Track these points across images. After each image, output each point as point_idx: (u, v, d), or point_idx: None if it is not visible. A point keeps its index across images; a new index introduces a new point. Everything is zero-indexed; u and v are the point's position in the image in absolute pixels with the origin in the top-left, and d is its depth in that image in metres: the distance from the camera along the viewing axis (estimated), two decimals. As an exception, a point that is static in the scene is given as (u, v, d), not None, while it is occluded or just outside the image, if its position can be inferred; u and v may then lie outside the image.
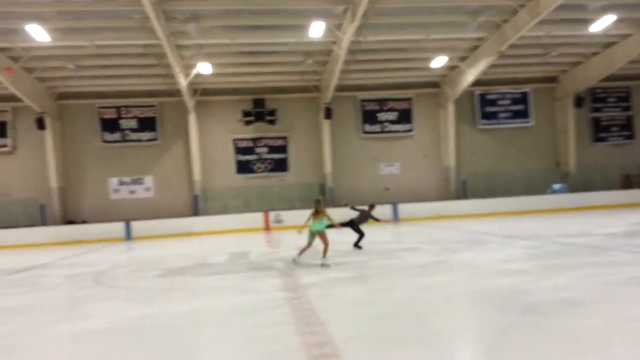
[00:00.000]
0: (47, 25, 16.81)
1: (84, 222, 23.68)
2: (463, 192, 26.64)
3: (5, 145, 23.88)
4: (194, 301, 7.47)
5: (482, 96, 27.46)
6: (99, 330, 5.87)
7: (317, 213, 9.73)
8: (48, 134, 23.27)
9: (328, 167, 25.90)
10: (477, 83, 24.86)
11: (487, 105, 27.58)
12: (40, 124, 22.78)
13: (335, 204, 25.31)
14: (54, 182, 23.70)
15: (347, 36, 18.63)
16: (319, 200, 10.22)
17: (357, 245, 12.13)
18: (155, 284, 9.31)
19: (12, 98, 22.59)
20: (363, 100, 26.90)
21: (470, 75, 23.60)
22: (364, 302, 6.63)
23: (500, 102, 27.65)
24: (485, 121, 27.63)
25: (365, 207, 12.59)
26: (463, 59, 23.66)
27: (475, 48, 22.55)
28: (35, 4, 15.90)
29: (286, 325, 5.45)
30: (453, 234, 15.60)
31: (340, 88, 24.51)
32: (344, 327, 5.31)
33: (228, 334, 5.45)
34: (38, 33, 16.86)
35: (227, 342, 5.12)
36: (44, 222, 23.10)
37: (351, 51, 20.52)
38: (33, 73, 21.53)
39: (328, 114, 25.22)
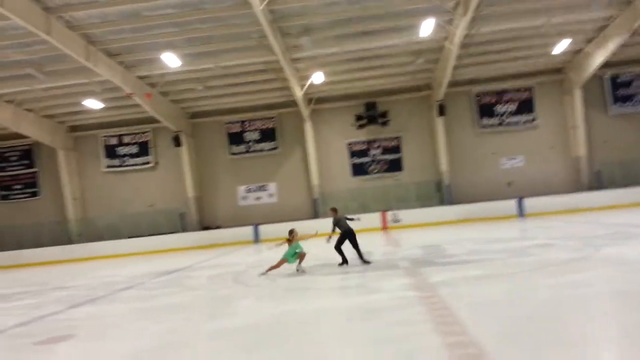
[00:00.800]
0: (178, 52, 18.74)
1: (218, 227, 25.87)
2: (597, 182, 24.43)
3: (148, 162, 26.96)
4: (325, 299, 7.88)
5: (614, 79, 24.98)
6: (244, 326, 6.48)
7: (290, 241, 11.11)
8: (184, 150, 25.85)
9: (444, 165, 25.38)
10: (606, 65, 22.71)
11: (620, 88, 25.02)
12: (177, 142, 25.40)
13: (453, 201, 24.76)
14: (190, 192, 26.24)
15: (459, 31, 18.20)
16: (292, 230, 11.41)
17: (363, 260, 11.27)
18: (287, 283, 9.92)
19: (152, 120, 25.53)
20: (478, 94, 25.95)
21: (599, 57, 21.64)
22: (502, 302, 6.37)
23: (636, 84, 24.91)
24: (618, 105, 25.09)
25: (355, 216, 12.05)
26: (589, 41, 21.77)
27: (602, 28, 20.66)
28: (168, 34, 17.78)
29: (421, 325, 5.52)
30: (591, 228, 14.44)
31: (453, 84, 23.93)
32: (485, 328, 5.16)
33: (362, 332, 5.65)
34: (171, 60, 18.88)
35: (362, 340, 5.30)
36: (183, 229, 25.66)
37: (464, 45, 19.97)
38: (168, 96, 24.08)
39: (441, 111, 24.75)
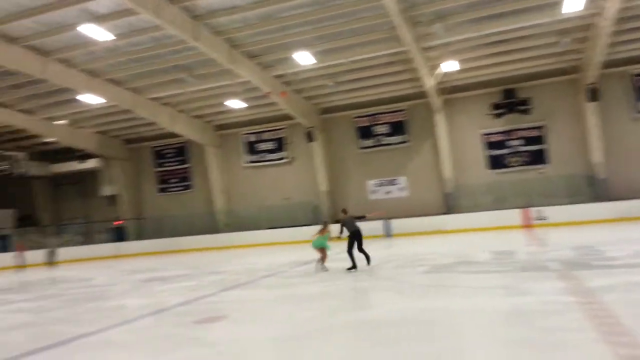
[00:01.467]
0: (311, 50, 19.34)
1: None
2: None
3: (284, 157, 28.38)
4: (469, 299, 7.52)
5: None
6: (384, 319, 6.49)
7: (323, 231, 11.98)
8: (316, 145, 26.73)
9: (597, 156, 22.79)
10: None
11: None
12: (310, 137, 26.35)
13: (608, 197, 22.15)
14: (322, 186, 27.08)
15: (613, 4, 16.13)
16: (326, 222, 12.77)
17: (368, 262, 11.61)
18: (424, 280, 9.71)
19: (287, 117, 26.82)
20: (639, 75, 22.80)
21: None
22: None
23: None
24: None
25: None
26: None
27: None
28: (301, 33, 18.40)
29: (583, 333, 5.00)
30: None
31: (607, 64, 21.35)
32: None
33: (512, 335, 5.29)
34: (304, 58, 19.58)
35: (515, 344, 4.95)
36: (317, 221, 26.53)
37: (619, 20, 17.68)
38: (301, 93, 25.02)
39: (593, 95, 22.20)
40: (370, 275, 10.77)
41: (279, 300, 8.81)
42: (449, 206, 24.82)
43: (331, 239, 12.25)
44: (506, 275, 9.35)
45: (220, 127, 29.23)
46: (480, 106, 24.97)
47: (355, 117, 27.12)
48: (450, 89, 24.61)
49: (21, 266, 22.39)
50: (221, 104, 25.35)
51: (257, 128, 28.62)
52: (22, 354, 6.11)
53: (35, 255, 23.79)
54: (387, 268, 11.97)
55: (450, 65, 21.13)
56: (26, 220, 31.55)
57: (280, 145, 28.46)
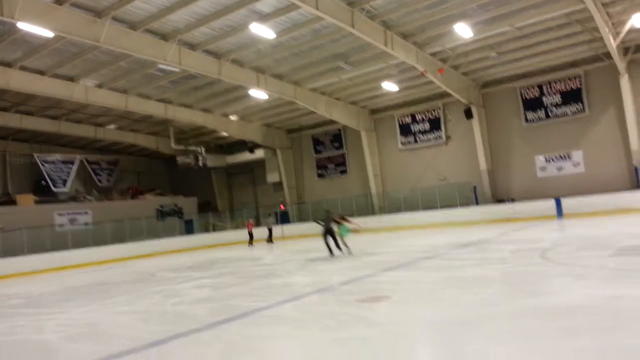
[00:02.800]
0: (470, 21, 18.15)
1: (512, 200, 24.45)
2: None
3: (440, 137, 27.40)
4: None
5: None
6: (565, 307, 5.78)
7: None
8: (475, 122, 25.24)
9: None
10: None
11: None
12: (468, 114, 24.95)
13: None
14: (482, 165, 25.53)
15: None
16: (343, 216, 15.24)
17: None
18: (610, 264, 8.50)
19: (442, 95, 25.81)
20: None
21: None
22: None
23: None
24: None
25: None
26: None
27: None
28: (459, 5, 17.28)
29: None
30: None
31: None
32: None
33: None
34: (463, 30, 18.46)
35: None
36: (477, 202, 25.20)
37: None
38: (459, 69, 23.72)
39: None
40: (543, 259, 9.77)
41: (441, 282, 8.49)
42: (635, 181, 21.41)
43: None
44: None
45: (375, 111, 29.37)
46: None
47: (521, 89, 24.87)
48: (637, 48, 21.04)
49: (250, 242, 25.42)
50: (375, 88, 25.41)
51: (412, 109, 28.09)
52: (207, 326, 6.82)
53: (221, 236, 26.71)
54: (562, 252, 10.77)
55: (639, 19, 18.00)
56: (206, 206, 35.75)
57: (435, 125, 27.53)
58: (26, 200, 27.91)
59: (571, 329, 4.94)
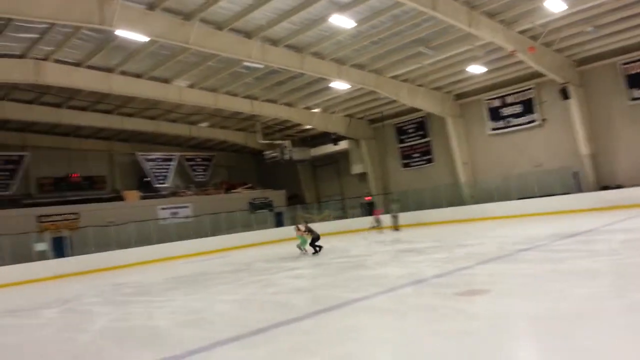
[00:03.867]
0: (564, -6, 16.90)
1: (618, 186, 22.50)
2: None
3: (533, 120, 25.80)
4: None
5: None
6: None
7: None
8: (572, 103, 23.47)
9: None
10: None
11: None
12: (565, 94, 23.25)
13: None
14: (583, 148, 23.72)
15: None
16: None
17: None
18: None
19: (534, 75, 24.31)
20: None
21: None
22: None
23: None
24: None
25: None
26: None
27: None
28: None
29: None
30: None
31: None
32: None
33: None
34: (555, 4, 17.20)
35: None
36: (578, 189, 23.49)
37: None
38: (551, 46, 22.17)
39: None
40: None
41: (544, 275, 8.04)
42: None
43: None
44: None
45: (460, 96, 28.32)
46: None
47: (624, 64, 22.72)
48: None
49: (378, 228, 25.53)
50: (460, 72, 24.49)
51: (501, 92, 26.67)
52: (306, 315, 7.03)
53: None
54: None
55: None
56: (294, 199, 36.66)
57: (528, 107, 25.96)
58: (132, 196, 30.36)
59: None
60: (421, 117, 30.27)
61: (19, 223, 23.93)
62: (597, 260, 8.88)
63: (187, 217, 30.24)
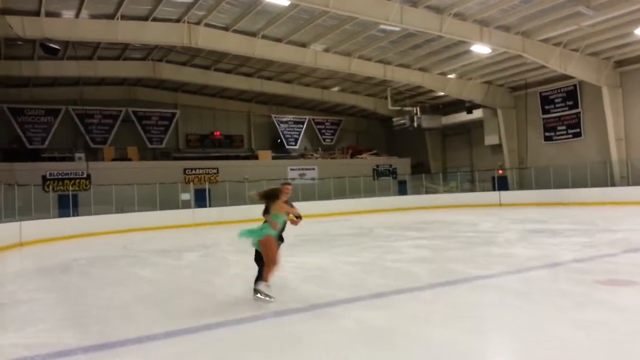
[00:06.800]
0: None
1: None
2: None
3: None
4: None
5: None
6: None
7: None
8: None
9: None
10: None
11: None
12: None
13: None
14: None
15: None
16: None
17: None
18: None
19: None
20: None
21: None
22: None
23: None
24: None
25: None
26: None
27: None
28: None
29: None
30: None
31: None
32: None
33: None
34: None
35: None
36: None
37: None
38: None
39: None
40: None
41: None
42: None
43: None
44: None
45: (622, 63, 24.79)
46: None
47: None
48: None
49: None
50: (626, 35, 21.32)
51: (674, 59, 22.87)
52: (427, 285, 6.92)
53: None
54: None
55: None
56: (419, 167, 35.86)
57: None
58: (265, 156, 32.24)
59: None
60: (572, 85, 27.18)
61: (168, 174, 26.90)
62: None
63: (312, 178, 31.31)
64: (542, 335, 4.54)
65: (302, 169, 32.05)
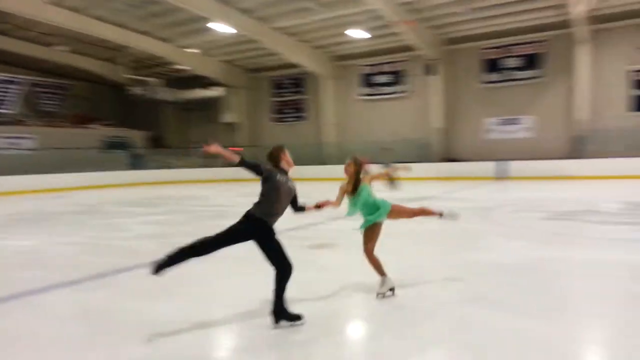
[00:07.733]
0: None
1: (454, 160, 25.09)
2: None
3: (400, 92, 27.41)
4: (589, 250, 6.99)
5: None
6: (495, 264, 6.19)
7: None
8: (435, 79, 25.23)
9: None
10: None
11: None
12: (428, 70, 24.93)
13: None
14: (436, 123, 25.78)
15: None
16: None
17: None
18: (543, 226, 9.08)
19: (408, 48, 25.20)
20: None
21: None
22: None
23: None
24: None
25: None
26: None
27: None
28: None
29: None
30: None
31: None
32: None
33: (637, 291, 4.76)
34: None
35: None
36: (426, 159, 25.35)
37: None
38: (429, 22, 23.06)
39: None
40: (483, 219, 10.27)
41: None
42: (577, 150, 22.46)
43: None
44: (636, 227, 8.38)
45: (340, 58, 28.75)
46: (630, 38, 21.67)
47: (483, 49, 24.95)
48: (598, 18, 21.47)
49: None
50: (343, 34, 24.59)
51: (376, 60, 27.73)
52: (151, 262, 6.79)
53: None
54: (501, 212, 11.34)
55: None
56: (157, 141, 34.61)
57: (397, 78, 27.51)
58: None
59: (496, 285, 5.32)
60: (300, 74, 30.27)
61: None
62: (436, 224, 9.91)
63: (29, 149, 26.99)
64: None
65: (16, 138, 27.24)
